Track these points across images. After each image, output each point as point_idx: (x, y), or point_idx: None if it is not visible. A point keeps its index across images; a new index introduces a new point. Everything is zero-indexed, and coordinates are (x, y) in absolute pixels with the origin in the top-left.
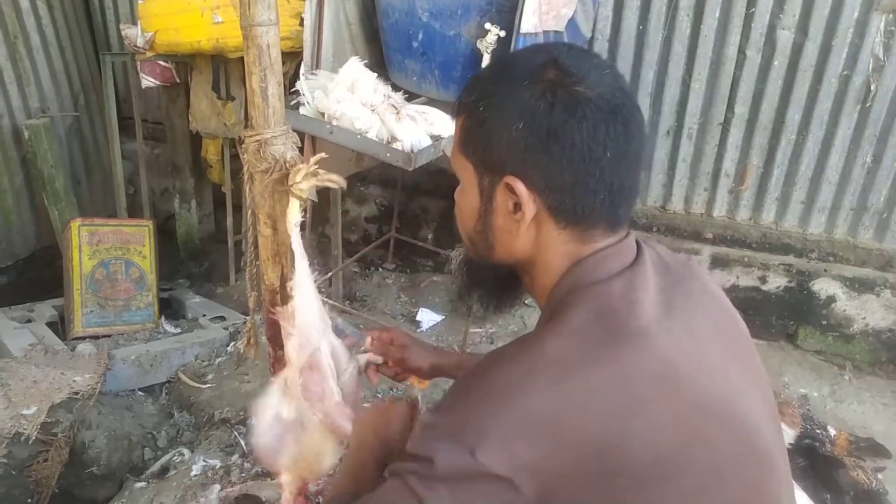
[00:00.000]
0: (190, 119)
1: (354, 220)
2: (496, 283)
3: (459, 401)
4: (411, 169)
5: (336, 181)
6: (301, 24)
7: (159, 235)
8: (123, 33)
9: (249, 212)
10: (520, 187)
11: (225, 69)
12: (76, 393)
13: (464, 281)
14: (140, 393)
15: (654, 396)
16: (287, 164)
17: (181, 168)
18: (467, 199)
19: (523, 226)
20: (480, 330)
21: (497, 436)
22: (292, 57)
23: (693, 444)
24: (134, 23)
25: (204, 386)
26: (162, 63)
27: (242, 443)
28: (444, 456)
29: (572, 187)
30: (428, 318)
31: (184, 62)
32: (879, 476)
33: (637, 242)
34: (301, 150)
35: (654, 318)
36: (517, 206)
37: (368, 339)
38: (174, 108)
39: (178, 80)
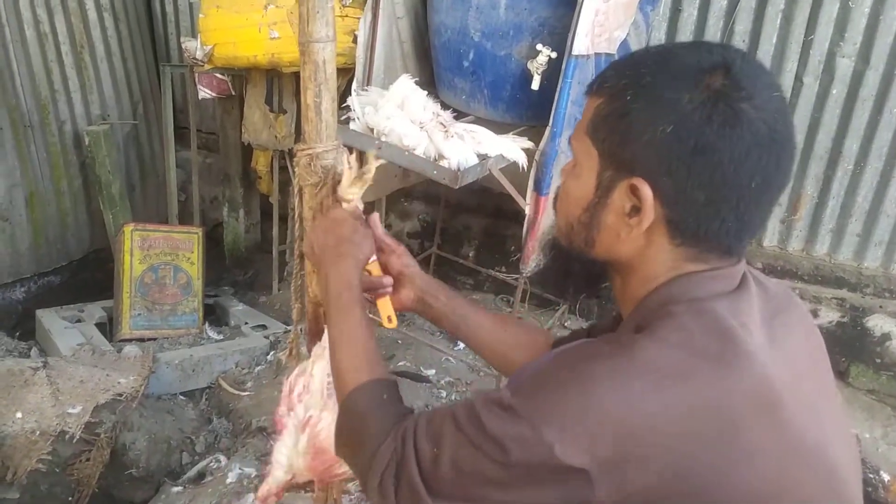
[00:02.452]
0: (242, 130)
1: (397, 236)
2: (580, 273)
3: (542, 388)
4: (457, 186)
5: (372, 166)
6: (354, 41)
7: (206, 242)
8: (183, 46)
9: (297, 224)
10: (646, 192)
11: (278, 83)
12: (120, 394)
13: (547, 265)
14: (181, 397)
15: (755, 425)
16: (336, 178)
17: (231, 178)
18: (580, 185)
19: (636, 231)
20: None
21: (580, 432)
22: (344, 73)
23: (785, 484)
24: (194, 36)
25: (243, 394)
26: (218, 76)
27: None
28: (519, 446)
29: (702, 207)
30: None
31: (239, 75)
32: None
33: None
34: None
35: (760, 344)
36: (635, 210)
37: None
38: (228, 119)
39: (233, 93)
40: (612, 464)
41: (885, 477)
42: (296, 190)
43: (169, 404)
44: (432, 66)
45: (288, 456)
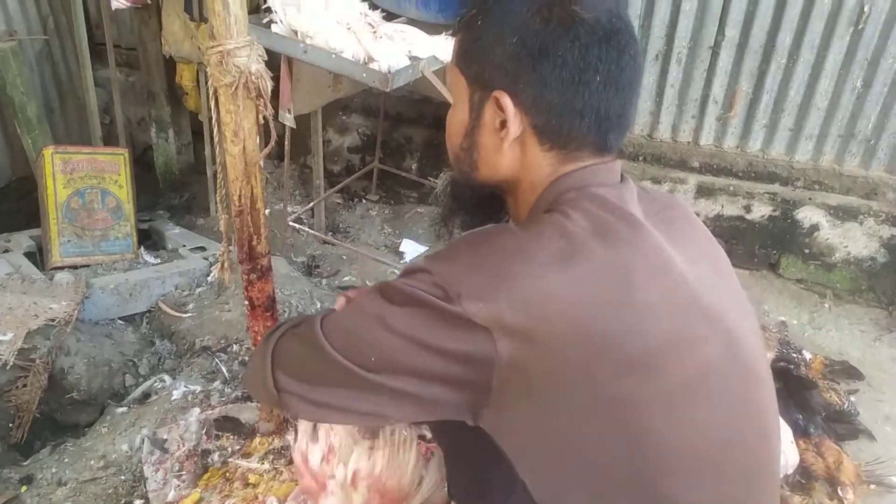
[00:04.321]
0: (163, 42)
1: (336, 151)
2: (480, 205)
3: (455, 254)
4: (388, 90)
5: None
6: None
7: (138, 167)
8: None
9: (216, 126)
10: (507, 102)
11: None
12: (53, 319)
13: (448, 203)
14: (120, 322)
15: (649, 283)
16: (252, 77)
17: (156, 95)
18: (457, 114)
19: (506, 143)
20: None
21: (487, 292)
22: None
23: (683, 341)
24: None
25: (185, 315)
26: None
27: (224, 369)
28: (428, 297)
29: (559, 107)
30: (411, 248)
31: None
32: (852, 398)
33: (622, 172)
34: (276, 74)
35: (648, 220)
36: (503, 124)
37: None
38: (146, 31)
39: (149, 1)
40: (515, 324)
41: (808, 355)
42: (210, 92)
43: (107, 329)
44: None
45: None
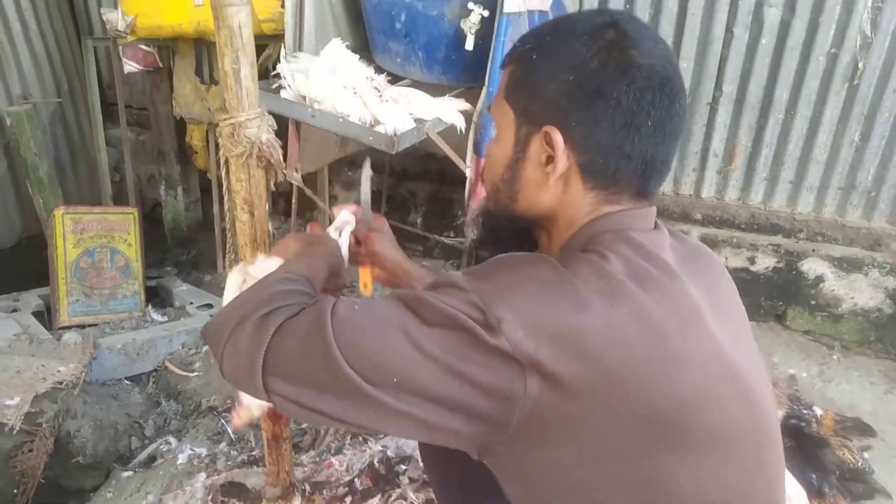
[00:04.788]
0: (174, 104)
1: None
2: (511, 237)
3: (497, 274)
4: (394, 152)
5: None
6: (283, 5)
7: (147, 223)
8: (104, 17)
9: (227, 196)
10: (557, 138)
11: (208, 53)
12: (60, 382)
13: (479, 232)
14: (127, 382)
15: (681, 334)
16: (263, 147)
17: (166, 154)
18: (500, 146)
19: (552, 178)
20: None
21: (528, 321)
22: (274, 40)
23: (708, 395)
24: (115, 6)
25: (191, 374)
26: (144, 47)
27: (229, 430)
28: (464, 315)
29: (608, 148)
30: None
31: (166, 46)
32: (866, 455)
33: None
34: (284, 134)
35: (681, 269)
36: (550, 159)
37: (354, 208)
38: (158, 93)
39: (160, 65)
40: (548, 362)
41: (818, 411)
42: (222, 161)
43: (114, 390)
44: (365, 28)
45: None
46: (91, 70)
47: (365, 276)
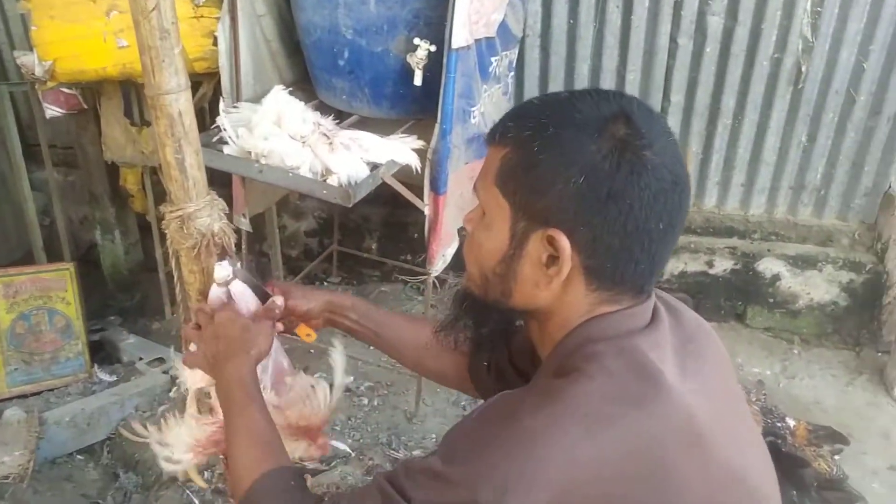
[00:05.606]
0: (104, 148)
1: (293, 236)
2: (494, 320)
3: (474, 451)
4: (350, 205)
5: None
6: (215, 42)
7: (83, 266)
8: (18, 62)
9: (178, 287)
10: (564, 242)
11: (137, 93)
12: (6, 476)
13: (459, 315)
14: (79, 457)
15: (683, 459)
16: (214, 237)
17: (99, 198)
18: (492, 236)
19: (556, 282)
20: None
21: (520, 492)
22: (209, 78)
23: None
24: (29, 49)
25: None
26: (66, 90)
27: (195, 501)
28: None
29: (618, 252)
30: None
31: (90, 88)
32: (837, 458)
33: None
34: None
35: (677, 377)
36: (552, 260)
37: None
38: (85, 134)
39: (85, 107)
40: None
41: (791, 423)
42: (171, 252)
43: (65, 469)
44: (306, 63)
45: None
46: (8, 116)
47: (303, 331)
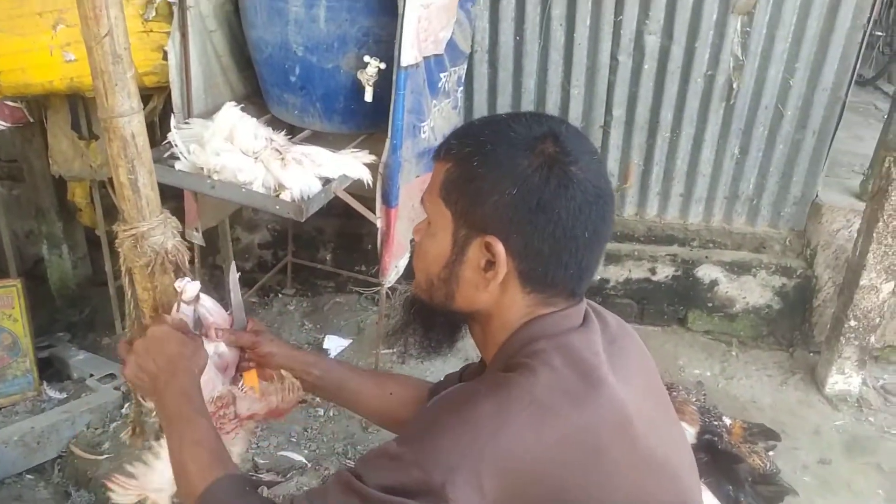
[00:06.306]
0: (51, 162)
1: (247, 248)
2: (442, 327)
3: (428, 433)
4: (304, 219)
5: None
6: (165, 57)
7: (30, 280)
8: None
9: (131, 305)
10: (499, 249)
11: (84, 105)
12: None
13: (408, 320)
14: (29, 476)
15: (614, 446)
16: (168, 255)
17: (46, 212)
18: (436, 244)
19: (492, 284)
20: (391, 351)
21: (468, 471)
22: (159, 91)
23: (643, 496)
24: None
25: (100, 457)
26: (10, 103)
27: None
28: (410, 491)
29: (547, 258)
30: (336, 344)
31: (36, 101)
32: (771, 453)
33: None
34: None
35: (609, 372)
36: (489, 265)
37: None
38: (31, 148)
39: (31, 120)
40: (498, 497)
41: (727, 421)
42: (123, 270)
43: (15, 489)
44: (257, 78)
45: None
46: None
47: (250, 379)
